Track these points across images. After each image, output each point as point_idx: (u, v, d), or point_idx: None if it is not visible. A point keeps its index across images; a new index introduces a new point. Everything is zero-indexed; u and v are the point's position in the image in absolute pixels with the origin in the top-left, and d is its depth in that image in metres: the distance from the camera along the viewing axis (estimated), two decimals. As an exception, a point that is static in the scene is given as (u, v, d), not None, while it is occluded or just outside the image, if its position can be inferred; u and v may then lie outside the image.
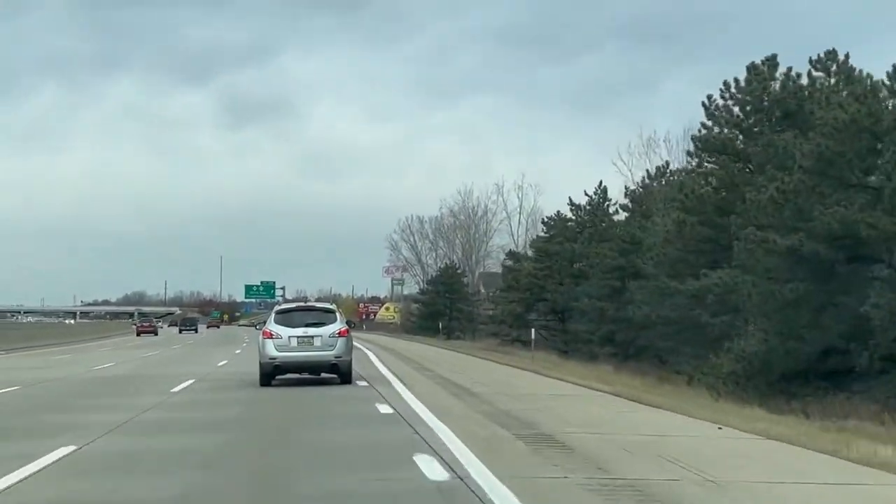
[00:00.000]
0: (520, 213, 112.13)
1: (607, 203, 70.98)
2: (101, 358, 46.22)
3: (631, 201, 66.30)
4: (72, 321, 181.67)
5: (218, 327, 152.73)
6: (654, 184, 66.13)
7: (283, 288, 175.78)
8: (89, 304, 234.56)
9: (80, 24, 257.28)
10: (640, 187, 68.10)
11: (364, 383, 25.93)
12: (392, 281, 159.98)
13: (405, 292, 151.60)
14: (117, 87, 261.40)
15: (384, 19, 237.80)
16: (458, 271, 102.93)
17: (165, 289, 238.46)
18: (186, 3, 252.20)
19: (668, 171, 66.81)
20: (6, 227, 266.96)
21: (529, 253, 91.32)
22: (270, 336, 24.75)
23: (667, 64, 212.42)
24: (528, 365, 37.39)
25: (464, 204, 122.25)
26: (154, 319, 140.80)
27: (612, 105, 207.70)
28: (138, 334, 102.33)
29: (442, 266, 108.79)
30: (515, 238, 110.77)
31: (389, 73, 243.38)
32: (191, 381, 27.53)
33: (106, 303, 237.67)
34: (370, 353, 45.70)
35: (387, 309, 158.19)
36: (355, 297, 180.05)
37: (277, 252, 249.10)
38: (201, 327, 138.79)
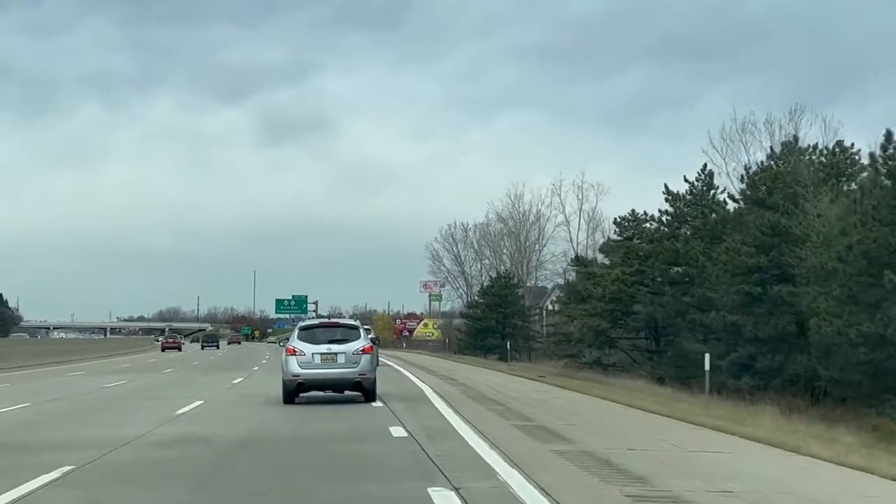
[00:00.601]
0: (580, 217, 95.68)
1: (713, 191, 54.70)
2: (23, 393, 30.32)
3: (749, 186, 50.00)
4: (101, 337, 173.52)
5: (239, 343, 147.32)
6: (780, 163, 49.84)
7: (315, 302, 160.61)
8: (125, 321, 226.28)
9: (121, 42, 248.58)
10: (761, 170, 51.74)
11: None
12: (429, 296, 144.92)
13: (445, 308, 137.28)
14: (156, 105, 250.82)
15: (421, 37, 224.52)
16: (513, 281, 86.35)
17: (198, 305, 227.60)
18: (225, 23, 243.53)
19: (797, 146, 50.58)
20: (43, 243, 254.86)
21: (599, 259, 75.17)
22: (294, 353, 23.21)
23: (703, 80, 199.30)
24: (703, 417, 21.15)
25: (513, 208, 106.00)
26: (178, 336, 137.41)
27: (650, 121, 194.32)
28: (163, 350, 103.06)
29: (493, 276, 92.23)
30: (575, 244, 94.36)
31: (426, 90, 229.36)
32: (53, 476, 11.61)
33: (141, 319, 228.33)
34: (425, 387, 29.77)
35: (425, 325, 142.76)
36: (391, 312, 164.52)
37: (313, 268, 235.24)
38: (223, 343, 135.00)
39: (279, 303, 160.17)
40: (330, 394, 23.67)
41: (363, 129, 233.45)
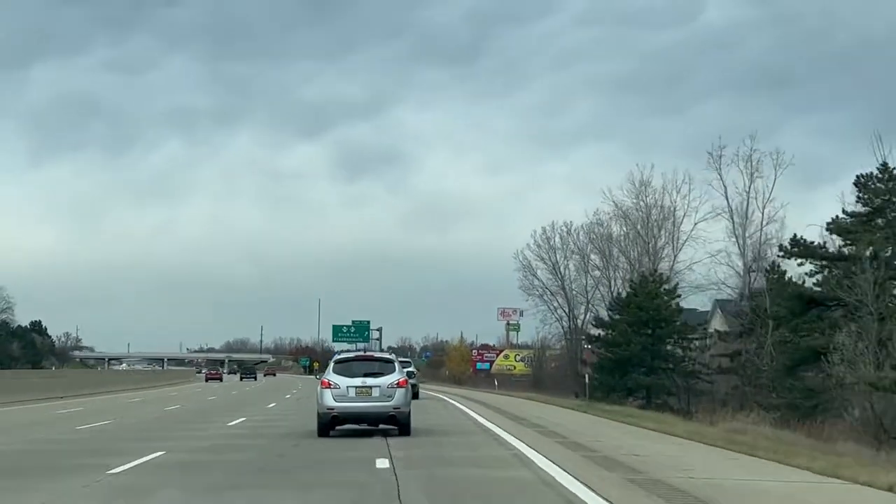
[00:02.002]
0: (746, 202, 62.37)
1: None
2: None
3: None
4: (156, 369, 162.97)
5: (274, 375, 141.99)
6: None
7: (378, 329, 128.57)
8: (195, 352, 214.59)
9: (204, 79, 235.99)
10: None
11: None
12: (507, 325, 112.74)
13: (526, 337, 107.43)
14: (236, 140, 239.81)
15: (497, 72, 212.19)
16: (667, 286, 52.98)
17: (261, 336, 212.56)
18: (303, 59, 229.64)
19: None
20: (124, 275, 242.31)
21: (831, 243, 42.47)
22: (329, 386, 22.20)
23: (784, 113, 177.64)
24: None
25: (637, 199, 73.27)
26: (219, 368, 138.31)
27: (728, 153, 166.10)
28: (207, 380, 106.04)
29: (633, 281, 58.74)
30: (741, 243, 61.24)
31: (502, 124, 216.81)
32: None
33: (211, 350, 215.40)
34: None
35: (506, 357, 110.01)
36: (464, 342, 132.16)
37: (384, 300, 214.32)
38: (259, 375, 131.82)
39: (336, 330, 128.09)
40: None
41: (438, 162, 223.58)
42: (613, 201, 73.20)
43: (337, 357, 24.15)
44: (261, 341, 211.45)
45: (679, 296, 51.42)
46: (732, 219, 62.01)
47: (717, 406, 48.55)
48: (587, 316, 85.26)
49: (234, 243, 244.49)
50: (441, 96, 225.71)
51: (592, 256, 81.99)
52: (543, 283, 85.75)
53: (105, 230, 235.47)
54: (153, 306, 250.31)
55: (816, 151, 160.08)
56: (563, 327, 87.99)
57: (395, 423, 22.28)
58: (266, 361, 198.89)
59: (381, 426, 22.45)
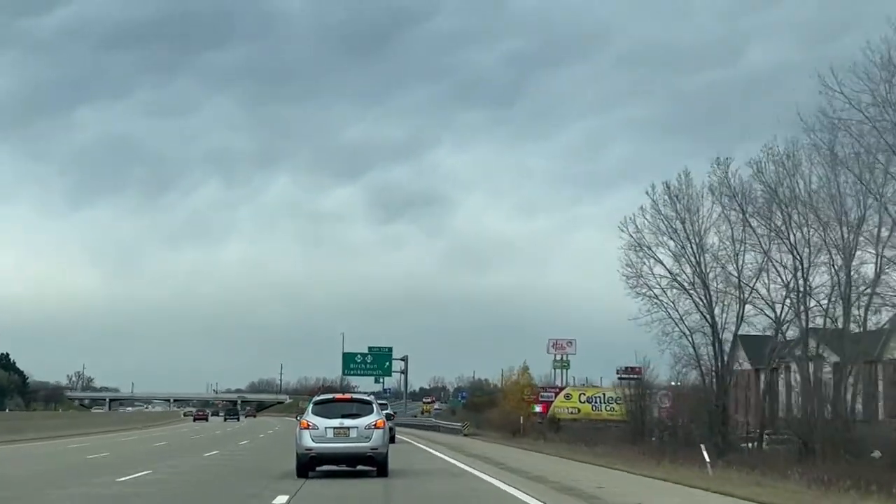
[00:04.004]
0: None
1: None
2: None
3: None
4: (160, 409, 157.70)
5: (255, 417, 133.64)
6: None
7: (403, 359, 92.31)
8: (223, 392, 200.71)
9: (244, 122, 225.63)
10: None
11: None
12: (558, 360, 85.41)
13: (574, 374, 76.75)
14: (274, 182, 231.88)
15: (536, 114, 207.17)
16: None
17: (281, 375, 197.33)
18: (343, 101, 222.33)
19: None
20: (156, 317, 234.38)
21: None
22: (307, 427, 21.51)
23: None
24: None
25: (879, 92, 36.20)
26: (206, 410, 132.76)
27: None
28: (194, 420, 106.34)
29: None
30: None
31: (540, 165, 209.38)
32: None
33: (239, 391, 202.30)
34: None
35: (567, 397, 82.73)
36: (527, 373, 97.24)
37: (417, 340, 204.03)
38: (243, 417, 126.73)
39: (348, 359, 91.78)
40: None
41: (476, 204, 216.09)
42: (840, 92, 35.76)
43: (316, 398, 23.38)
44: (280, 381, 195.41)
45: None
46: None
47: None
48: (740, 325, 48.05)
49: (270, 284, 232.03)
50: (479, 138, 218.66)
51: (754, 223, 44.99)
52: (671, 272, 48.27)
53: (141, 271, 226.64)
54: (185, 347, 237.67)
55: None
56: (692, 343, 50.18)
57: (373, 464, 21.77)
58: (283, 402, 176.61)
59: (360, 467, 21.83)
